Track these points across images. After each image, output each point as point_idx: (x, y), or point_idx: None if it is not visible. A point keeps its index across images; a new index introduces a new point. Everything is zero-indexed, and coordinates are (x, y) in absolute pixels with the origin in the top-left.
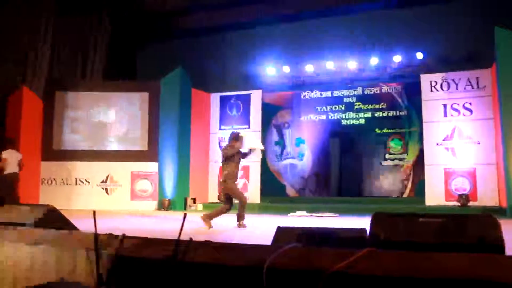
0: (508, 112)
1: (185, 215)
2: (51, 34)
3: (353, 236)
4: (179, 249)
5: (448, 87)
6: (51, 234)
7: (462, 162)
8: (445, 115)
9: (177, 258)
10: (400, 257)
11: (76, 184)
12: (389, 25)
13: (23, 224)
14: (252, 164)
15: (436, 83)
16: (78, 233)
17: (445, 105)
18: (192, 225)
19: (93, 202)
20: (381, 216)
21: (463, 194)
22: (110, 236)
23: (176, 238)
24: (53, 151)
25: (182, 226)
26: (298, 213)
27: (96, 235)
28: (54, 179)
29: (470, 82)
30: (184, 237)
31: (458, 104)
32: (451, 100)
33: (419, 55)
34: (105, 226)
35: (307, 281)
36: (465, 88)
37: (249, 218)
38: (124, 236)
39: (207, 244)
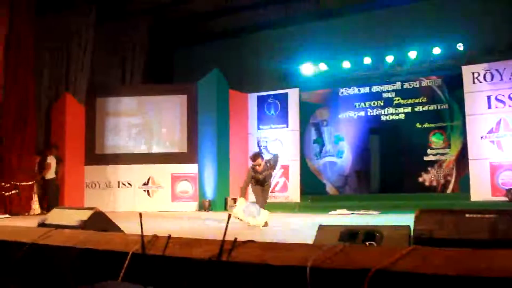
0: None
1: (229, 215)
2: (91, 41)
3: (396, 234)
4: (224, 249)
5: (492, 78)
6: (97, 236)
7: (509, 155)
8: (489, 107)
9: (222, 258)
10: (448, 254)
11: (118, 187)
12: (428, 17)
13: (71, 227)
14: (292, 163)
15: (479, 74)
16: (124, 235)
17: (489, 97)
18: (233, 225)
19: (135, 204)
20: (426, 212)
21: (511, 189)
22: (156, 237)
23: (218, 238)
24: (96, 156)
25: (227, 226)
26: (339, 211)
27: (142, 237)
28: (97, 182)
29: None
30: (227, 237)
31: (503, 95)
32: (495, 91)
33: (460, 46)
34: (148, 228)
35: (352, 280)
36: (510, 78)
37: (289, 217)
38: (169, 237)
39: (251, 243)
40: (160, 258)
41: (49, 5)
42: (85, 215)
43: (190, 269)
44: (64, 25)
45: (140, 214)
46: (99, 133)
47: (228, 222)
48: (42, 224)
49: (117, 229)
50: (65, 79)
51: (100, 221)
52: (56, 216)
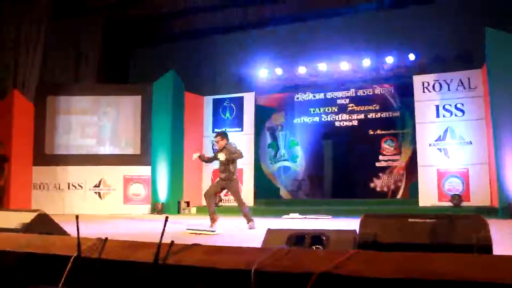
0: (499, 112)
1: (166, 218)
2: (43, 38)
3: (343, 238)
4: (160, 252)
5: (440, 88)
6: (39, 240)
7: (454, 163)
8: (438, 116)
9: (159, 261)
10: (389, 258)
11: (68, 189)
12: (382, 26)
13: (11, 230)
14: (246, 167)
15: (429, 84)
16: (67, 238)
17: (437, 106)
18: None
19: (86, 207)
20: (371, 217)
21: (455, 195)
22: (94, 240)
23: (165, 241)
24: (45, 156)
25: (164, 228)
26: (291, 215)
27: (78, 240)
28: (46, 184)
29: (462, 82)
30: (176, 240)
31: (450, 105)
32: (443, 101)
33: (412, 56)
34: (96, 231)
35: (295, 283)
36: (457, 89)
37: (242, 221)
38: (106, 239)
39: (196, 247)
40: (97, 261)
41: None
42: (28, 217)
43: (126, 272)
44: (14, 21)
45: (77, 216)
46: (49, 133)
47: (165, 224)
48: None
49: (62, 232)
50: (14, 76)
51: (44, 224)
52: None
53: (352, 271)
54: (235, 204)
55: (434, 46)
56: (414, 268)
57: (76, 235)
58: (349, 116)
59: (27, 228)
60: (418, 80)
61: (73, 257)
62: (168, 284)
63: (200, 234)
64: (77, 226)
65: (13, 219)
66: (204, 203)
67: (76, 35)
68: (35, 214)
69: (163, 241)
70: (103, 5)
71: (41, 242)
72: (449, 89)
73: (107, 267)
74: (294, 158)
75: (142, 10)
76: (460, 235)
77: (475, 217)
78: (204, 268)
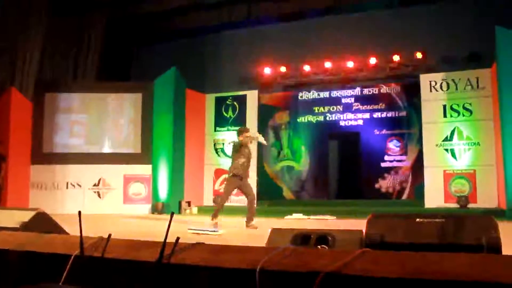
0: (508, 113)
1: (172, 214)
2: (42, 34)
3: (349, 238)
4: (165, 251)
5: (448, 87)
6: (38, 238)
7: (461, 164)
8: (445, 116)
9: (163, 260)
10: (396, 257)
11: (67, 188)
12: (389, 25)
13: (10, 229)
14: None
15: (436, 83)
16: (67, 237)
17: (444, 106)
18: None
19: (85, 206)
20: (378, 217)
21: (462, 196)
22: (96, 238)
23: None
24: (43, 154)
25: (169, 225)
26: (295, 215)
27: (81, 237)
28: (44, 183)
29: (470, 82)
30: (181, 239)
31: (458, 104)
32: (450, 100)
33: (419, 55)
34: (96, 230)
35: (301, 283)
36: (465, 89)
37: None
38: (109, 238)
39: (200, 246)
40: (100, 260)
41: None
42: (27, 216)
43: (130, 271)
44: (12, 17)
45: (79, 213)
46: (47, 131)
47: (170, 222)
48: None
49: (61, 231)
50: (12, 73)
51: (43, 223)
52: None
53: (359, 270)
54: (235, 204)
55: (442, 45)
56: (423, 268)
57: (75, 234)
58: (354, 115)
59: (26, 226)
60: (425, 79)
61: (73, 255)
62: (172, 283)
63: (202, 234)
64: (80, 222)
65: (12, 217)
66: (206, 203)
67: (77, 32)
68: (34, 212)
69: (167, 240)
70: (105, 2)
71: (42, 241)
72: (456, 89)
73: (110, 265)
74: (297, 158)
75: (144, 7)
76: (469, 236)
77: (484, 217)
78: (208, 267)
